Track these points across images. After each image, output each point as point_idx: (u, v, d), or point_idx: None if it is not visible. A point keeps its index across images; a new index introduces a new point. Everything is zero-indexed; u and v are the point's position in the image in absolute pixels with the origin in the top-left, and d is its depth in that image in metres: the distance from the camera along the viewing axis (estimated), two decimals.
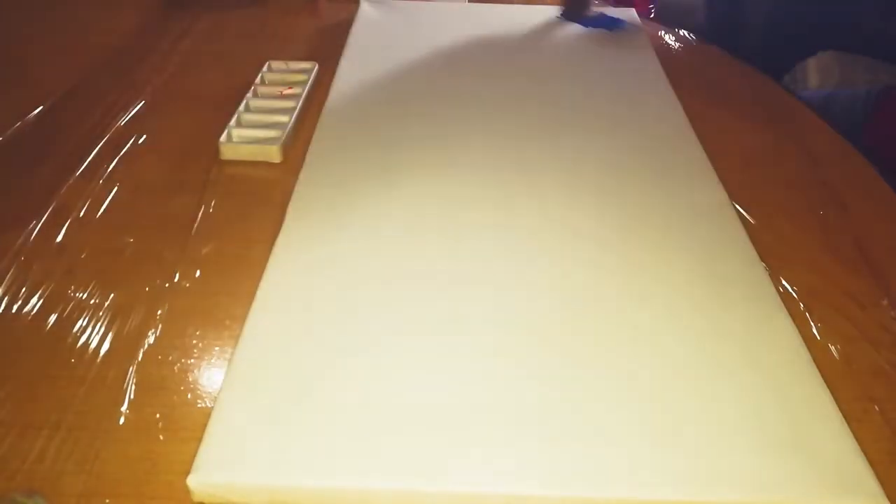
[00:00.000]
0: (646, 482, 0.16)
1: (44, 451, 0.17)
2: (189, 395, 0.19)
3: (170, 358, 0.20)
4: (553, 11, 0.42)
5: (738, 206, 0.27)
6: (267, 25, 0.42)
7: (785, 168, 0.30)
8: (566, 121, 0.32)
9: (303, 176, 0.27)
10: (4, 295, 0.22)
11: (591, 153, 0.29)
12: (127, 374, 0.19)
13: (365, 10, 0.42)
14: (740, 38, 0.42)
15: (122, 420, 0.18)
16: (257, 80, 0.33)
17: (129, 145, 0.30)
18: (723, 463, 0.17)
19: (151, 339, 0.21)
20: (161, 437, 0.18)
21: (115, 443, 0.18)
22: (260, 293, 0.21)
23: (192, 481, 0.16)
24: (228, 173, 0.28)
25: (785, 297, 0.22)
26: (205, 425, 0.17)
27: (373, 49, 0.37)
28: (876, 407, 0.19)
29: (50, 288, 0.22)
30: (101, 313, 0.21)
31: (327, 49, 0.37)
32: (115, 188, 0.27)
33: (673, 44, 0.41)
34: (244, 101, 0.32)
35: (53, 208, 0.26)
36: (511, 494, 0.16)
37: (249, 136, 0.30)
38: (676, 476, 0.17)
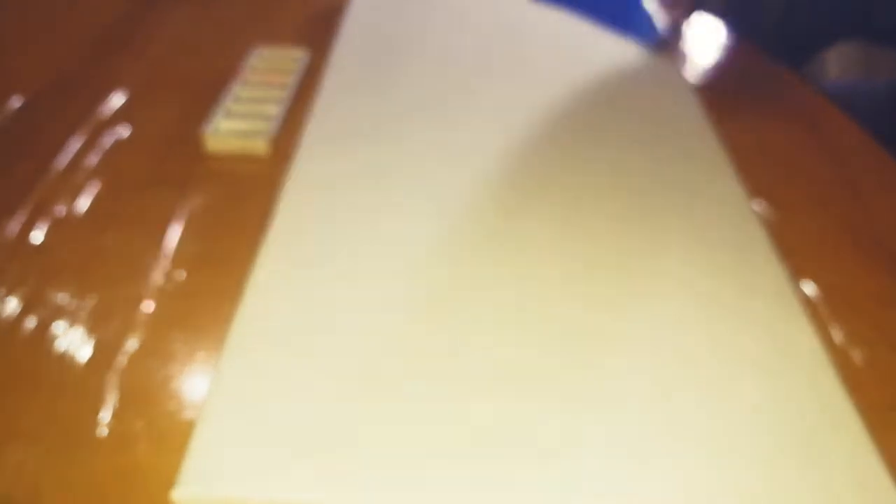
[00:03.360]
0: (657, 488, 0.16)
1: (22, 464, 0.17)
2: (173, 405, 0.18)
3: (153, 365, 0.19)
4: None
5: (757, 203, 0.26)
6: (254, 10, 0.40)
7: (805, 164, 0.29)
8: (576, 115, 0.30)
9: (293, 171, 0.26)
10: None
11: (603, 149, 0.28)
12: (108, 382, 0.19)
13: None
14: (758, 27, 0.40)
15: (104, 431, 0.17)
16: (244, 68, 0.32)
17: (110, 138, 0.29)
18: (737, 471, 0.16)
19: (134, 345, 0.20)
20: (144, 449, 0.17)
21: (97, 455, 0.17)
22: (247, 295, 0.20)
23: (177, 495, 0.15)
24: (214, 168, 0.27)
25: (805, 297, 0.22)
26: (190, 436, 0.17)
27: (368, 36, 0.36)
28: None
29: (27, 291, 0.21)
30: (81, 317, 0.20)
31: (320, 35, 0.36)
32: (96, 184, 0.26)
33: (687, 30, 0.39)
34: (231, 91, 0.30)
35: (31, 206, 0.25)
36: None
37: (236, 128, 0.29)
38: (689, 483, 0.16)
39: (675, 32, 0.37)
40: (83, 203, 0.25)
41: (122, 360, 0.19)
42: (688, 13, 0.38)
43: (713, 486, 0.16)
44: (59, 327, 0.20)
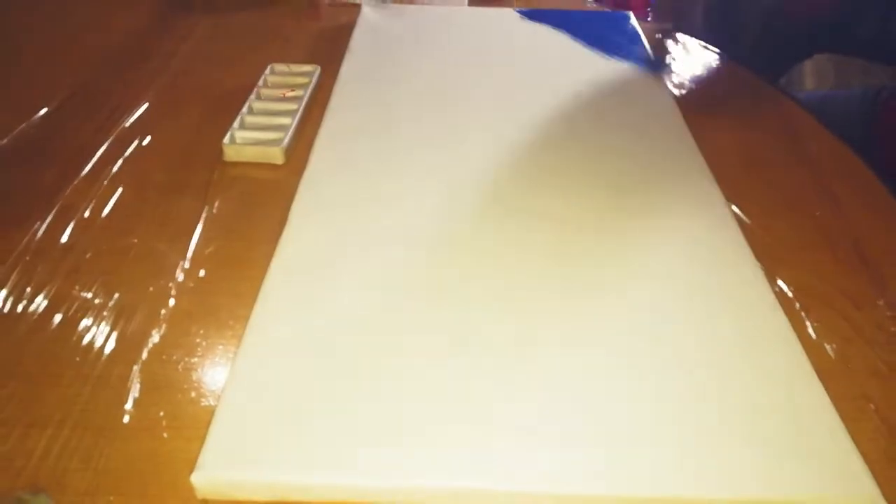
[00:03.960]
0: (640, 481, 0.17)
1: (48, 449, 0.18)
2: (193, 394, 0.19)
3: (174, 357, 0.20)
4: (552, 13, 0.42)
5: (734, 207, 0.27)
6: (269, 28, 0.42)
7: (781, 169, 0.30)
8: (564, 124, 0.32)
9: (305, 177, 0.27)
10: (10, 294, 0.22)
11: (587, 155, 0.29)
12: (131, 372, 0.20)
13: (366, 13, 0.42)
14: (737, 41, 0.43)
15: (126, 418, 0.18)
16: (260, 82, 0.34)
17: (133, 146, 0.30)
18: (718, 462, 0.17)
19: (156, 339, 0.21)
20: (165, 436, 0.18)
21: (120, 441, 0.18)
22: (263, 293, 0.22)
23: (197, 479, 0.16)
24: (232, 175, 0.29)
25: (781, 296, 0.23)
26: (209, 423, 0.18)
27: (374, 52, 0.38)
28: (872, 406, 0.20)
29: (55, 288, 0.22)
30: (105, 313, 0.21)
31: (329, 52, 0.38)
32: (120, 189, 0.27)
33: (670, 46, 0.41)
34: (247, 104, 0.32)
35: (58, 209, 0.26)
36: (512, 492, 0.17)
37: (252, 137, 0.30)
38: (671, 474, 0.17)
39: (661, 50, 0.39)
40: (107, 207, 0.26)
41: (144, 352, 0.20)
42: (670, 28, 0.39)
43: (693, 472, 0.17)
44: (85, 323, 0.21)
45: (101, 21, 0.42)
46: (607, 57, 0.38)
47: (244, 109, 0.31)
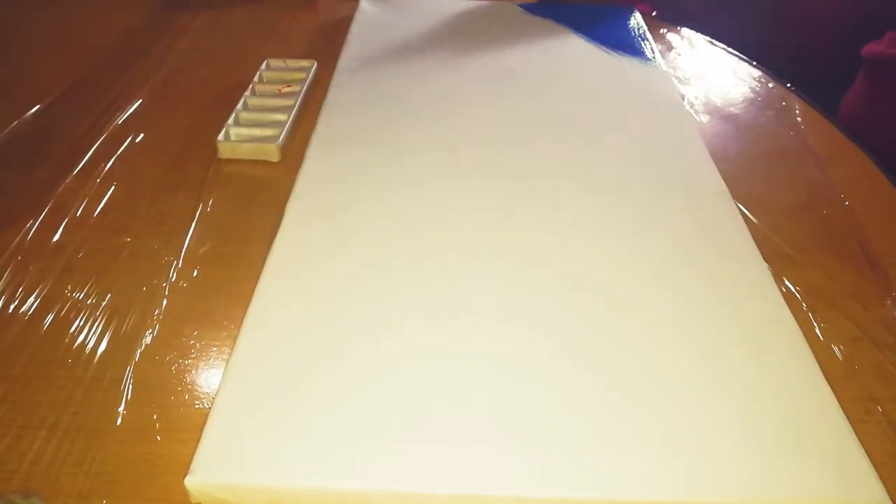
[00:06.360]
0: (645, 482, 0.16)
1: (41, 451, 0.17)
2: (187, 396, 0.19)
3: (167, 358, 0.20)
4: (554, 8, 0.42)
5: (740, 205, 0.27)
6: (265, 23, 0.42)
7: (788, 167, 0.30)
8: (567, 120, 0.31)
9: (301, 175, 0.27)
10: (1, 294, 0.22)
11: (592, 152, 0.29)
12: (124, 374, 0.19)
13: (364, 7, 0.42)
14: (746, 39, 0.42)
15: (119, 421, 0.18)
16: (255, 78, 0.33)
17: (126, 144, 0.30)
18: (724, 463, 0.17)
19: (149, 339, 0.20)
20: (159, 438, 0.18)
21: (113, 443, 0.18)
22: (258, 293, 0.21)
23: (190, 482, 0.16)
24: (226, 172, 0.28)
25: (788, 296, 0.22)
26: (203, 426, 0.17)
27: (372, 47, 0.37)
28: (879, 408, 0.19)
29: (47, 288, 0.22)
30: (98, 313, 0.21)
31: (326, 47, 0.37)
32: (113, 187, 0.27)
33: (675, 42, 0.40)
34: (242, 100, 0.31)
35: (50, 207, 0.26)
36: (511, 496, 0.16)
37: (247, 134, 0.30)
38: (677, 476, 0.16)
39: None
40: (100, 205, 0.26)
41: (137, 353, 0.20)
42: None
43: (699, 474, 0.16)
44: (78, 323, 0.21)
45: (97, 18, 0.42)
46: (611, 52, 0.37)
47: (239, 106, 0.31)
